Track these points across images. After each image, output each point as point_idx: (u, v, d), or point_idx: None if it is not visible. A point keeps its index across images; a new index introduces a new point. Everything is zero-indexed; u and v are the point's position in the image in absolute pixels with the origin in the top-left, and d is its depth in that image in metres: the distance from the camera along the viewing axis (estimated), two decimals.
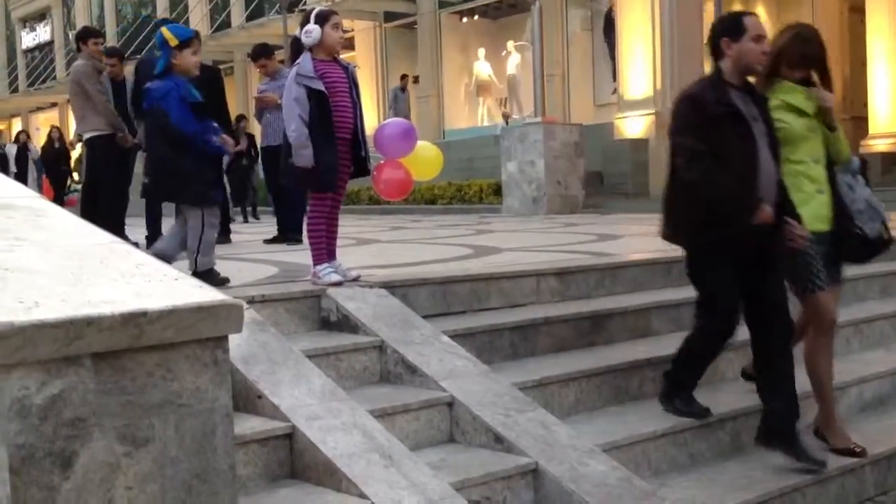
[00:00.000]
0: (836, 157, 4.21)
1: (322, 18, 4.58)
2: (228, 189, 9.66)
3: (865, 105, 15.29)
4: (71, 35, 29.31)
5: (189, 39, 4.91)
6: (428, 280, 4.64)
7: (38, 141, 24.25)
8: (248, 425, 3.27)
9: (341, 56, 4.78)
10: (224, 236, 8.05)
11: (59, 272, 2.01)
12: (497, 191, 14.79)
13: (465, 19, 22.68)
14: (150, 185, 5.22)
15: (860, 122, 15.81)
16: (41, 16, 37.94)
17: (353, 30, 22.59)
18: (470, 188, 15.96)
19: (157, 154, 5.01)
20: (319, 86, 4.50)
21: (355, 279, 4.59)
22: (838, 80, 13.12)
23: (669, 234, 4.15)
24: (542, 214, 12.98)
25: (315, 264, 4.61)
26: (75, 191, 18.80)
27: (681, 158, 3.93)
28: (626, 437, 3.90)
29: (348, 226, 8.69)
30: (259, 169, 12.48)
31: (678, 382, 4.19)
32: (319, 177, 4.54)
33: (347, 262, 4.91)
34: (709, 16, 15.77)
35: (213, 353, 2.04)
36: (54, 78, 33.61)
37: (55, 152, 19.83)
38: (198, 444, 2.03)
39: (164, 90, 4.79)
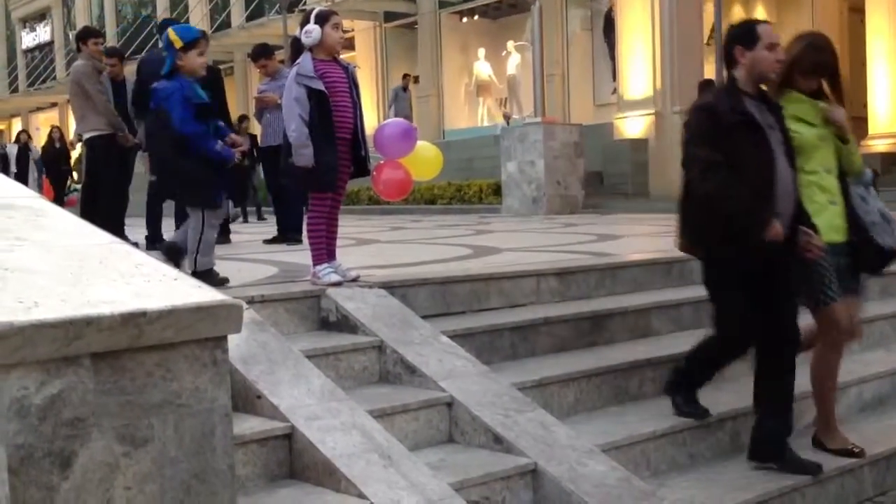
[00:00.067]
0: (848, 168, 4.17)
1: (322, 18, 4.58)
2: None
3: (865, 105, 15.28)
4: (71, 35, 29.33)
5: (194, 40, 4.90)
6: (427, 280, 4.64)
7: (39, 141, 24.26)
8: (248, 425, 3.27)
9: (341, 56, 4.79)
10: (224, 236, 8.05)
11: (59, 272, 2.01)
12: (497, 191, 14.78)
13: (465, 19, 22.68)
14: (156, 183, 5.28)
15: (860, 123, 15.80)
16: (41, 16, 37.92)
17: (353, 30, 22.59)
18: (470, 188, 15.95)
19: (159, 154, 5.07)
20: (319, 86, 4.50)
21: (355, 279, 4.60)
22: None
23: (686, 245, 4.12)
24: (542, 214, 12.97)
25: (315, 264, 4.61)
26: (75, 191, 18.80)
27: (695, 170, 3.86)
28: (625, 438, 3.90)
29: (348, 226, 8.69)
30: (259, 169, 12.49)
31: (686, 376, 4.18)
32: (319, 177, 4.54)
33: (347, 262, 4.91)
34: (709, 16, 15.80)
35: (212, 353, 2.04)
36: (54, 78, 33.60)
37: (55, 152, 19.83)
38: (197, 445, 2.03)
39: (168, 90, 4.80)
